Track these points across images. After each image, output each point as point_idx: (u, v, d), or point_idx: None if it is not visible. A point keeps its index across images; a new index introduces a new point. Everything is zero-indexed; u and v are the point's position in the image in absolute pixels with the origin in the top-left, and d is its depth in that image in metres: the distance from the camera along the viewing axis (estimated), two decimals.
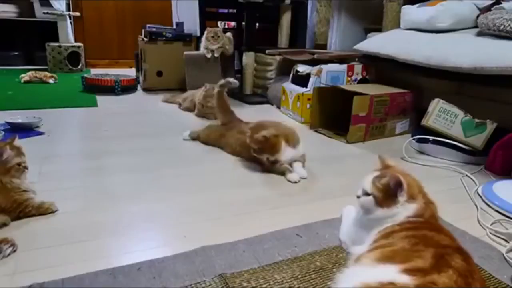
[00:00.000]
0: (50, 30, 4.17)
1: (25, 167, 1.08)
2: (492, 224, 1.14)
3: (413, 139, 1.82)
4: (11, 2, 4.19)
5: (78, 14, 4.45)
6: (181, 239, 0.99)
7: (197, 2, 3.22)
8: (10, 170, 1.04)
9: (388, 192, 0.82)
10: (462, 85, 1.95)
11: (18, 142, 1.11)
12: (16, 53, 4.36)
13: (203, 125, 1.93)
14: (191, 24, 3.38)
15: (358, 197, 0.87)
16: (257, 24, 3.60)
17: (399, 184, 0.81)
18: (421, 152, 1.80)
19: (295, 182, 1.39)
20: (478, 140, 1.65)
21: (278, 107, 2.62)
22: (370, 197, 0.84)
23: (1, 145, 1.06)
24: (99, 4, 4.69)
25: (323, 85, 2.28)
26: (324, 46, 3.39)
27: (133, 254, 0.91)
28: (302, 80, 2.37)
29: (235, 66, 3.34)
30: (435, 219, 0.85)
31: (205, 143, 1.80)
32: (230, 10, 3.94)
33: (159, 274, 0.83)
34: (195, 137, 1.84)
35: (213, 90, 2.12)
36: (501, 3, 1.88)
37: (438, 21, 2.12)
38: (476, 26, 1.98)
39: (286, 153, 1.47)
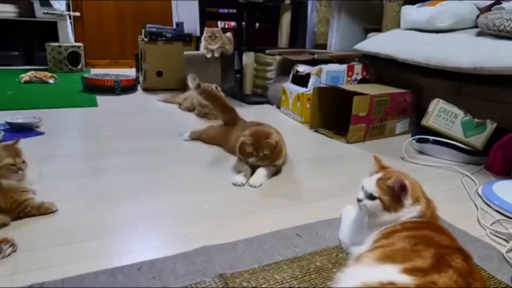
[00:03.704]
0: (50, 30, 4.16)
1: (20, 168, 1.07)
2: (492, 224, 1.14)
3: (413, 139, 1.82)
4: (11, 2, 4.19)
5: (78, 14, 4.45)
6: (181, 239, 0.99)
7: (197, 2, 3.22)
8: None
9: (395, 195, 0.81)
10: (462, 85, 1.95)
11: (18, 144, 1.10)
12: (16, 53, 4.35)
13: (203, 125, 1.93)
14: (191, 24, 3.38)
15: (359, 200, 0.86)
16: (257, 24, 3.60)
17: (403, 187, 0.80)
18: (421, 152, 1.80)
19: (238, 185, 1.34)
20: (478, 140, 1.65)
21: (278, 107, 2.62)
22: (377, 202, 0.82)
23: None
24: (99, 4, 4.69)
25: (323, 85, 2.28)
26: (324, 46, 3.39)
27: (133, 254, 0.91)
28: (302, 80, 2.37)
29: (235, 66, 3.34)
30: (435, 218, 0.85)
31: (207, 142, 1.80)
32: (230, 10, 3.94)
33: (159, 274, 0.83)
34: (195, 138, 1.84)
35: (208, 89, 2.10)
36: (501, 3, 1.88)
37: (438, 21, 2.12)
38: (476, 26, 1.99)
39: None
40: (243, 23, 3.33)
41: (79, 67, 4.13)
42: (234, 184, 1.35)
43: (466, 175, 1.52)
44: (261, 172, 1.40)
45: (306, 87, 2.30)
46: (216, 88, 2.30)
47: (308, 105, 2.24)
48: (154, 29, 3.24)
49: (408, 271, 0.63)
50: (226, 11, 4.03)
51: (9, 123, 1.90)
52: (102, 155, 1.62)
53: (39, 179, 1.30)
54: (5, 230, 0.98)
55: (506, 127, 1.60)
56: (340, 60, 2.52)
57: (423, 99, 1.99)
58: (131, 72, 3.59)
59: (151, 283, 0.81)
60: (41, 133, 1.86)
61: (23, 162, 1.09)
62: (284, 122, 2.33)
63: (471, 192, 1.36)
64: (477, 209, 1.24)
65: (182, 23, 3.37)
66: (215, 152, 1.72)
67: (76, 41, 4.37)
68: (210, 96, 1.82)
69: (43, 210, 1.07)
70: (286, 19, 3.24)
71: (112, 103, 2.68)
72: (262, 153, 1.38)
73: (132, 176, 1.40)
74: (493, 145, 1.57)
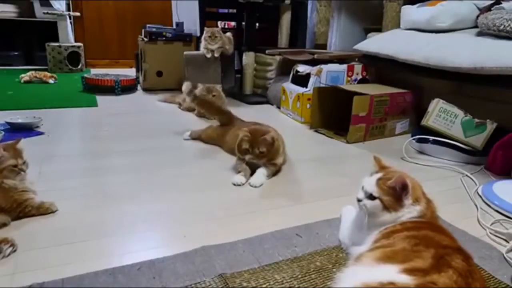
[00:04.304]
0: (50, 30, 4.16)
1: (21, 170, 1.07)
2: (492, 224, 1.14)
3: (413, 139, 1.82)
4: (11, 2, 4.19)
5: (78, 14, 4.45)
6: (181, 239, 0.99)
7: (197, 2, 3.22)
8: (2, 171, 1.03)
9: (395, 195, 0.81)
10: (462, 85, 1.95)
11: (20, 144, 1.10)
12: (16, 53, 4.36)
13: (203, 125, 1.93)
14: (191, 24, 3.38)
15: (359, 200, 0.86)
16: (257, 24, 3.60)
17: (405, 187, 0.80)
18: (421, 152, 1.80)
19: (238, 185, 1.34)
20: (478, 140, 1.65)
21: (278, 107, 2.62)
22: (377, 202, 0.82)
23: None
24: (99, 4, 4.69)
25: (323, 85, 2.28)
26: (324, 46, 3.39)
27: (133, 254, 0.91)
28: (302, 80, 2.37)
29: (235, 66, 3.34)
30: (435, 219, 0.85)
31: (207, 142, 1.80)
32: (230, 10, 3.94)
33: (159, 274, 0.83)
34: (195, 137, 1.85)
35: (206, 90, 2.20)
36: (501, 3, 1.88)
37: (438, 21, 2.12)
38: (476, 26, 1.98)
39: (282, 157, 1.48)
40: (243, 23, 3.33)
41: (79, 67, 4.13)
42: (234, 184, 1.34)
43: (466, 175, 1.52)
44: (261, 172, 1.40)
45: (306, 87, 2.30)
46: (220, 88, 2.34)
47: (308, 105, 2.24)
48: (154, 29, 3.24)
49: (408, 271, 0.63)
50: (226, 11, 4.03)
51: (9, 123, 1.90)
52: (102, 155, 1.62)
53: (39, 179, 1.30)
54: (5, 230, 0.98)
55: (506, 127, 1.60)
56: (340, 60, 2.52)
57: (423, 99, 1.99)
58: (131, 72, 3.60)
59: (151, 283, 0.81)
60: (41, 133, 1.86)
61: (24, 162, 1.09)
62: (284, 122, 2.33)
63: (471, 192, 1.36)
64: (477, 209, 1.24)
65: (182, 23, 3.37)
66: (215, 152, 1.72)
67: (76, 41, 4.37)
68: (202, 103, 1.90)
69: (43, 210, 1.07)
70: (286, 19, 3.24)
71: (112, 103, 2.68)
72: (258, 150, 1.38)
73: (132, 176, 1.40)
74: (493, 145, 1.57)
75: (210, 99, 2.13)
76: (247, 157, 1.40)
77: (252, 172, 1.41)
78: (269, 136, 1.38)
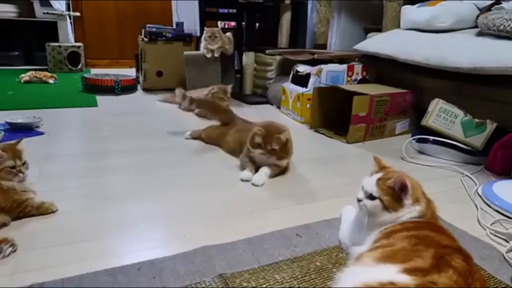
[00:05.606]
0: (50, 30, 4.16)
1: (19, 171, 1.06)
2: (492, 224, 1.14)
3: (413, 139, 1.82)
4: (11, 2, 4.19)
5: (78, 14, 4.45)
6: (181, 239, 0.99)
7: (197, 2, 3.23)
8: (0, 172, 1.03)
9: (395, 195, 0.81)
10: (462, 85, 1.95)
11: (21, 145, 1.10)
12: (16, 53, 4.36)
13: (204, 124, 1.93)
14: (191, 24, 3.39)
15: (359, 200, 0.86)
16: (257, 24, 3.60)
17: (404, 187, 0.80)
18: (421, 152, 1.80)
19: (242, 180, 1.38)
20: (478, 140, 1.65)
21: (278, 107, 2.62)
22: (377, 201, 0.82)
23: None
24: (99, 4, 4.69)
25: (323, 85, 2.28)
26: (324, 46, 3.39)
27: (133, 254, 0.91)
28: (302, 80, 2.37)
29: (235, 66, 3.34)
30: (435, 219, 0.85)
31: (207, 142, 1.80)
32: (230, 10, 3.94)
33: (159, 274, 0.83)
34: (196, 137, 1.85)
35: (220, 93, 2.22)
36: (501, 3, 1.88)
37: (438, 21, 2.12)
38: (476, 26, 1.99)
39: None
40: (243, 23, 3.33)
41: (79, 67, 4.13)
42: (242, 180, 1.37)
43: (466, 175, 1.52)
44: (263, 171, 1.40)
45: (306, 87, 2.30)
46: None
47: (308, 105, 2.24)
48: (154, 29, 3.24)
49: (408, 271, 0.63)
50: (226, 11, 4.03)
51: (9, 123, 1.90)
52: (102, 155, 1.62)
53: (39, 179, 1.30)
54: (5, 230, 0.98)
55: (506, 127, 1.60)
56: (340, 60, 2.52)
57: (423, 99, 1.99)
58: (131, 72, 3.59)
59: (151, 283, 0.81)
60: (41, 133, 1.86)
61: (24, 163, 1.09)
62: (284, 122, 2.32)
63: (471, 192, 1.36)
64: (477, 209, 1.24)
65: (182, 23, 3.37)
66: (215, 152, 1.72)
67: (76, 41, 4.37)
68: (201, 104, 1.93)
69: (43, 210, 1.07)
70: (286, 19, 3.24)
71: (112, 103, 2.68)
72: (270, 147, 1.38)
73: (132, 176, 1.40)
74: (493, 145, 1.57)
75: (208, 98, 2.13)
76: (257, 151, 1.40)
77: (255, 171, 1.42)
78: (283, 136, 1.39)
